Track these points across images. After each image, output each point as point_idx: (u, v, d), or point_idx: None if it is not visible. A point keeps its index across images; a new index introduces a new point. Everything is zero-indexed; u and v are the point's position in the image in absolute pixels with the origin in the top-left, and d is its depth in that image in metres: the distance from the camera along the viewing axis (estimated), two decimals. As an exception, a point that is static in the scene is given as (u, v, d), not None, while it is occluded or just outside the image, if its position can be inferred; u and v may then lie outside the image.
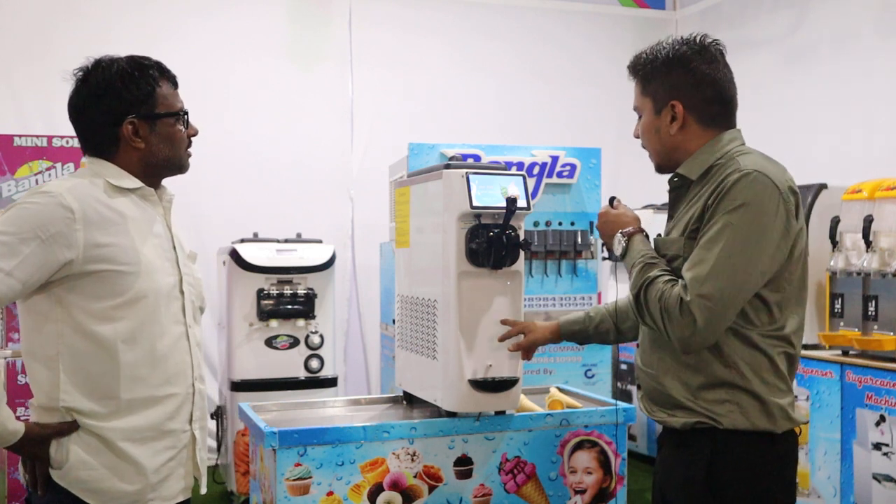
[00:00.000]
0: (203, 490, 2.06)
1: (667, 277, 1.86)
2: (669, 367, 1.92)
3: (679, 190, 2.00)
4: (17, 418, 1.80)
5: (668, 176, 2.03)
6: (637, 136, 2.07)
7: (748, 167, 1.83)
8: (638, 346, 2.12)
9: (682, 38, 1.97)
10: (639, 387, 2.08)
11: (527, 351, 2.41)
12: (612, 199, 2.15)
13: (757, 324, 1.85)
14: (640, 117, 2.04)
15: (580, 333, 2.43)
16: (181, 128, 1.95)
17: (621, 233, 2.02)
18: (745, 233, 1.78)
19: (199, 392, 1.98)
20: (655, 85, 1.96)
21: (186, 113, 1.96)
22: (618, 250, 2.02)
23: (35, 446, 1.81)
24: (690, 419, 1.88)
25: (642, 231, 2.05)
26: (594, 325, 2.38)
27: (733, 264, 1.77)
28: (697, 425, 1.88)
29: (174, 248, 1.96)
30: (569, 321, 2.45)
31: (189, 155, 1.99)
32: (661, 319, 1.83)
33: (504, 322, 2.36)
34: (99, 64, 1.90)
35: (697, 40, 1.96)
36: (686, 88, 1.93)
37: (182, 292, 1.94)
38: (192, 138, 1.99)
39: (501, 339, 2.35)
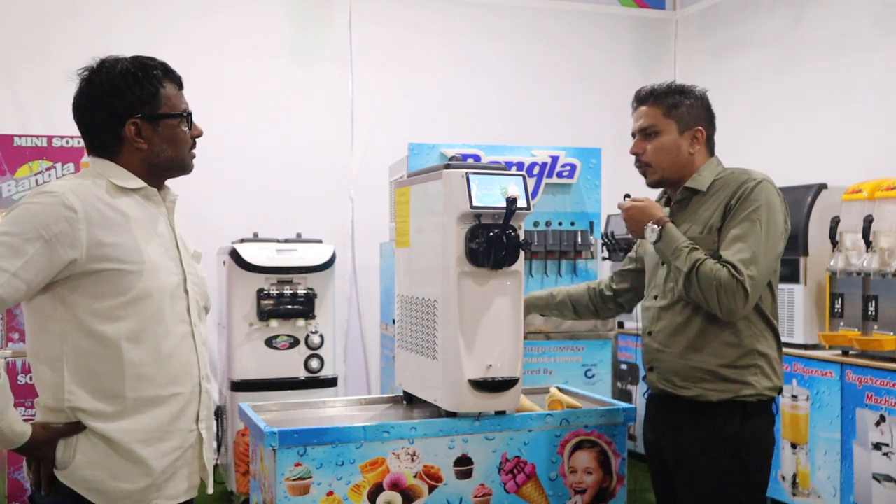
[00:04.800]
0: (209, 490, 2.06)
1: (714, 260, 2.23)
2: (702, 344, 2.29)
3: (682, 202, 2.40)
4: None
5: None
6: (637, 153, 2.42)
7: (758, 177, 2.30)
8: (649, 333, 2.43)
9: (686, 84, 2.43)
10: (650, 369, 2.44)
11: None
12: (626, 196, 2.44)
13: (766, 300, 2.31)
14: (647, 135, 2.39)
15: (542, 308, 2.85)
16: (185, 129, 1.94)
17: (653, 222, 2.33)
18: (767, 227, 2.23)
19: (206, 391, 1.98)
20: (681, 111, 2.38)
21: (190, 114, 1.96)
22: (652, 238, 2.33)
23: (41, 447, 1.81)
24: (725, 393, 2.26)
25: (671, 221, 2.36)
26: (560, 300, 2.81)
27: (765, 251, 2.22)
28: (732, 398, 2.26)
29: (177, 247, 1.97)
30: (533, 297, 2.85)
31: (193, 156, 1.99)
32: (714, 294, 2.20)
33: None
34: (103, 64, 1.90)
35: (700, 89, 2.44)
36: (705, 119, 2.42)
37: (186, 291, 1.94)
38: (196, 139, 1.99)
39: None
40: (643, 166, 2.43)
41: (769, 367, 2.30)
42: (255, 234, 4.48)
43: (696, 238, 2.30)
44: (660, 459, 2.45)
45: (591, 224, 4.33)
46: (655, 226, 2.32)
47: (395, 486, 2.28)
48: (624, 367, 5.51)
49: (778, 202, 2.27)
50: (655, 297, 2.43)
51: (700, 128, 2.38)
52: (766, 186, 2.27)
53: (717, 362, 2.27)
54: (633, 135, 2.45)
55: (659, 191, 2.56)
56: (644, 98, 2.42)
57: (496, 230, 2.24)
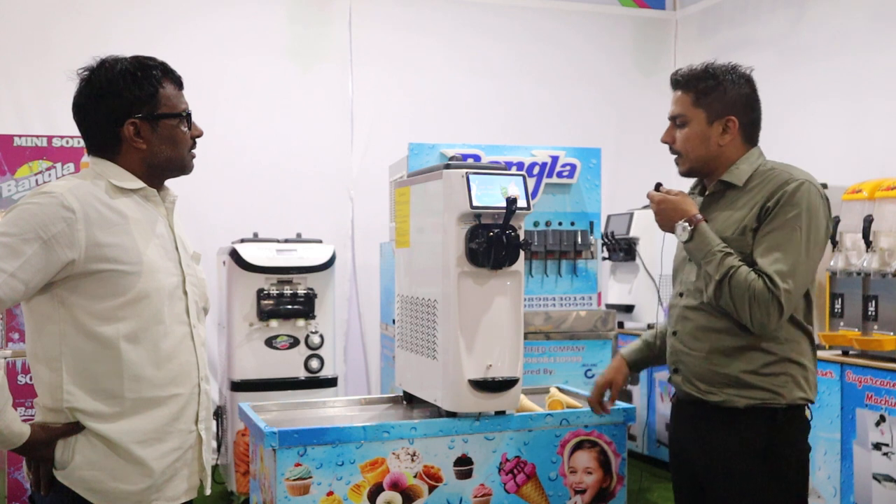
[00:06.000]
0: (207, 491, 2.06)
1: (748, 269, 2.09)
2: (728, 348, 2.15)
3: (715, 195, 2.25)
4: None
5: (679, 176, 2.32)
6: (667, 142, 2.29)
7: (800, 177, 2.13)
8: (675, 333, 2.30)
9: (728, 65, 2.23)
10: (675, 371, 2.29)
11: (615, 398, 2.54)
12: (658, 185, 2.31)
13: (799, 307, 2.16)
14: (678, 125, 2.25)
15: (647, 360, 2.54)
16: (184, 129, 1.94)
17: (686, 220, 2.19)
18: (807, 235, 2.08)
19: (205, 392, 1.98)
20: (712, 99, 2.20)
21: (189, 114, 1.95)
22: (683, 237, 2.20)
23: (40, 448, 1.81)
24: (753, 400, 2.12)
25: (704, 219, 2.20)
26: (660, 344, 2.49)
27: (803, 263, 2.08)
28: (760, 405, 2.12)
29: (177, 248, 1.96)
30: (631, 353, 2.54)
31: (192, 156, 1.99)
32: (746, 305, 2.07)
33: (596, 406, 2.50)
34: (103, 64, 1.89)
35: (743, 71, 2.24)
36: (741, 107, 2.22)
37: (185, 292, 1.94)
38: (196, 139, 1.99)
39: (599, 411, 2.51)
40: (675, 154, 2.28)
41: (802, 377, 2.15)
42: (255, 234, 4.48)
43: (729, 238, 2.15)
44: (686, 467, 2.31)
45: (591, 224, 4.33)
46: (687, 224, 2.18)
47: (395, 486, 2.28)
48: (624, 367, 5.50)
49: (820, 206, 2.11)
50: (681, 295, 2.30)
51: (732, 117, 2.20)
52: (808, 188, 2.10)
53: (744, 368, 2.13)
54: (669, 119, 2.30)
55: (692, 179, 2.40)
56: (677, 82, 2.26)
57: (496, 230, 2.24)
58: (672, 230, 2.23)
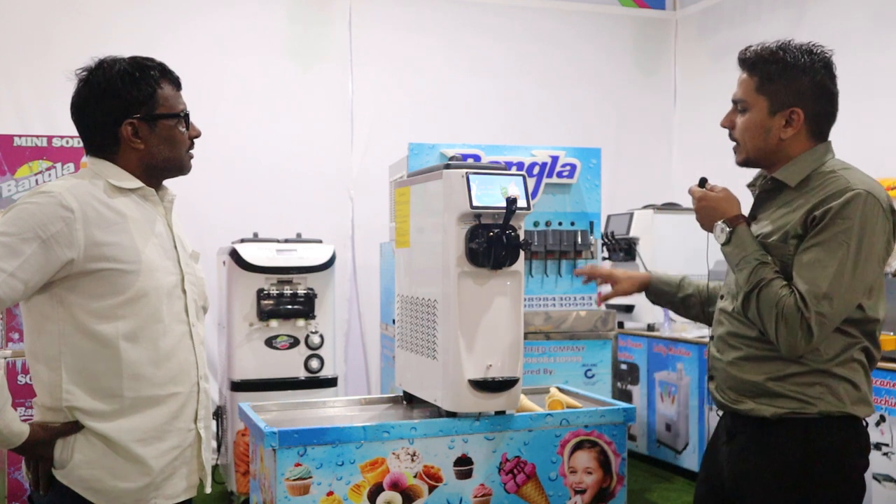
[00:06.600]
0: (207, 489, 2.06)
1: (782, 282, 1.92)
2: (757, 356, 2.00)
3: (769, 192, 2.06)
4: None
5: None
6: (727, 127, 2.10)
7: (858, 186, 1.90)
8: (711, 338, 2.17)
9: (805, 46, 2.01)
10: (711, 378, 2.15)
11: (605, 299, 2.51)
12: (703, 181, 2.15)
13: (851, 320, 1.94)
14: (739, 110, 2.06)
15: (666, 296, 2.42)
16: (182, 129, 1.94)
17: (724, 222, 2.04)
18: (856, 253, 1.87)
19: (204, 391, 1.98)
20: (777, 86, 1.99)
21: (188, 115, 1.96)
22: (720, 239, 2.05)
23: (39, 447, 1.81)
24: (780, 409, 1.95)
25: (746, 221, 2.05)
26: (685, 294, 2.39)
27: (845, 284, 1.87)
28: (788, 415, 1.94)
29: (175, 247, 1.97)
30: (660, 280, 2.42)
31: (191, 157, 1.99)
32: (773, 323, 1.91)
33: (583, 270, 2.55)
34: (101, 64, 1.90)
35: (822, 54, 2.01)
36: (809, 98, 1.99)
37: (184, 291, 1.94)
38: (195, 140, 1.99)
39: (579, 273, 2.55)
40: (733, 141, 2.09)
41: (843, 390, 1.95)
42: (255, 234, 4.48)
43: (770, 244, 1.97)
44: (715, 481, 2.16)
45: (591, 224, 4.33)
46: (726, 226, 2.02)
47: (395, 486, 2.27)
48: (624, 367, 5.51)
49: (878, 220, 1.89)
50: (722, 297, 2.17)
51: (797, 109, 1.98)
52: (864, 200, 1.88)
53: (770, 375, 1.97)
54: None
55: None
56: (743, 61, 2.05)
57: (496, 230, 2.24)
58: (711, 230, 2.08)
